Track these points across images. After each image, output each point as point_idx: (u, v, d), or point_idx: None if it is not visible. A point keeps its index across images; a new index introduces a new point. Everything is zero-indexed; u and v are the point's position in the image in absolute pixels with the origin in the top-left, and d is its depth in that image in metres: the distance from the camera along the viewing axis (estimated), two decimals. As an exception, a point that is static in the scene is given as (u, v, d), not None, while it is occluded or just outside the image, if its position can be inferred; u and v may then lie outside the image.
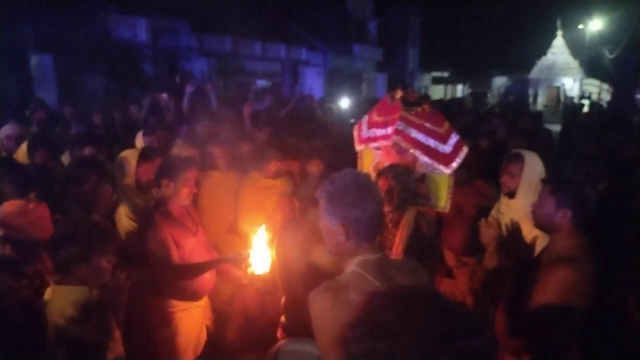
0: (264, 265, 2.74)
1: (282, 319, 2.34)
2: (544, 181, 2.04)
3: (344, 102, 11.15)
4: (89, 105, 7.36)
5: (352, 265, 1.40)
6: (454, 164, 2.94)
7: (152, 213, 2.58)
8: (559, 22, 32.84)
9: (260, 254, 2.75)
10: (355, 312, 0.88)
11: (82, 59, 11.57)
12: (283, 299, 2.36)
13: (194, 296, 2.66)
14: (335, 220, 1.38)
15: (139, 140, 4.13)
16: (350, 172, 1.44)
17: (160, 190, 2.61)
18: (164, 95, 5.84)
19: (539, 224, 2.01)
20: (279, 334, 2.32)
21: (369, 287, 1.30)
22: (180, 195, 2.59)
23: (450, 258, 3.33)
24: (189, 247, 2.61)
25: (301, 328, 1.98)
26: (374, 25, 28.96)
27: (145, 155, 3.05)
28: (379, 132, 3.01)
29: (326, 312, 1.29)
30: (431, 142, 2.91)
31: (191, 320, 2.70)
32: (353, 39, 26.45)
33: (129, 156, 3.02)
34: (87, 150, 3.52)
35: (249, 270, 2.75)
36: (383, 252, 1.50)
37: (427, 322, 0.76)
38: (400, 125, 2.88)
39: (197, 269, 2.61)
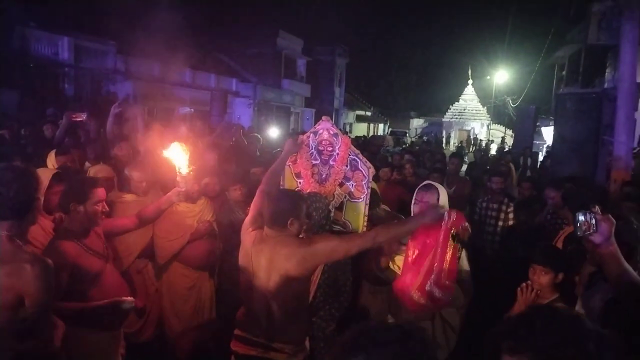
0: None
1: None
2: None
3: (273, 132, 11.39)
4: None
5: None
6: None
7: (54, 240, 2.47)
8: (469, 72, 36.14)
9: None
10: None
11: (-5, 72, 10.79)
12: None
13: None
14: None
15: (51, 160, 3.95)
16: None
17: (69, 216, 2.51)
18: (84, 115, 5.56)
19: None
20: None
21: None
22: (92, 218, 2.53)
23: None
24: (103, 273, 2.54)
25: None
26: (303, 62, 30.01)
27: (58, 178, 2.94)
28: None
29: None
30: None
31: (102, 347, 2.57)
32: (282, 74, 27.18)
33: (41, 175, 2.89)
34: (-8, 169, 3.29)
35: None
36: None
37: None
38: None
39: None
